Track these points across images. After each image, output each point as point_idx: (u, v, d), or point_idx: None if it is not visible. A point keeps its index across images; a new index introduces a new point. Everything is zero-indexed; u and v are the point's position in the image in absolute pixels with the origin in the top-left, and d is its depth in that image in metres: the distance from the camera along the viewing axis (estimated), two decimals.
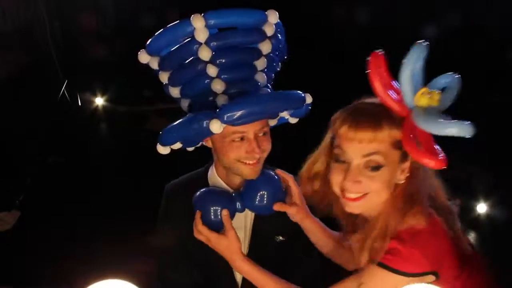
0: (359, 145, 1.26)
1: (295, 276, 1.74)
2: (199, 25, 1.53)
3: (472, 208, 3.69)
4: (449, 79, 1.33)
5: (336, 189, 1.33)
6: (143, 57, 1.70)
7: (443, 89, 1.31)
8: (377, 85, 1.26)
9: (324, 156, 1.40)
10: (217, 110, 1.49)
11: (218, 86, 1.57)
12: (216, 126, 1.47)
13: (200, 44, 1.56)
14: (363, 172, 1.27)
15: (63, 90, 5.09)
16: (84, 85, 5.29)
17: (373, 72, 1.26)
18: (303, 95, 1.58)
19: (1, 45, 4.70)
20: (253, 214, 1.69)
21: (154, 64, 1.70)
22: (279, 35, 1.67)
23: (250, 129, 1.53)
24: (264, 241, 1.70)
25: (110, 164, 4.29)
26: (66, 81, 5.11)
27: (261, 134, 1.57)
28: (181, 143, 1.62)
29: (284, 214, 1.61)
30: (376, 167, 1.26)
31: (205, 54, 1.55)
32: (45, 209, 3.49)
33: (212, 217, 1.56)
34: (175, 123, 1.60)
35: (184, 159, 1.95)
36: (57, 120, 4.66)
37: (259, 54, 1.62)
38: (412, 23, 5.23)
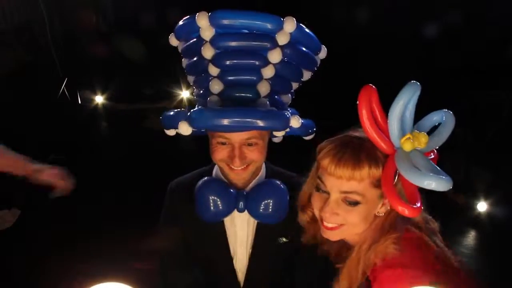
0: (338, 180, 1.26)
1: (297, 276, 1.74)
2: (203, 24, 1.50)
3: (472, 206, 3.70)
4: (440, 116, 1.33)
5: (317, 215, 1.36)
6: (173, 40, 1.68)
7: (436, 126, 1.31)
8: (365, 120, 1.24)
9: (312, 182, 1.40)
10: (188, 114, 1.49)
11: (216, 86, 1.56)
12: (183, 128, 1.49)
13: (205, 42, 1.53)
14: (341, 205, 1.29)
15: (63, 88, 5.09)
16: (84, 83, 5.29)
17: (362, 106, 1.24)
18: (287, 116, 1.49)
19: (1, 43, 4.69)
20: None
21: (180, 49, 1.69)
22: (301, 47, 1.58)
23: (233, 137, 1.52)
24: (267, 242, 1.69)
25: (110, 162, 4.28)
26: (66, 79, 5.11)
27: (249, 145, 1.55)
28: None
29: (287, 216, 1.60)
30: (354, 203, 1.27)
31: (207, 53, 1.54)
32: (45, 208, 3.48)
33: (211, 205, 1.56)
34: (169, 112, 1.63)
35: (185, 158, 1.95)
36: (57, 118, 4.65)
37: (266, 62, 1.54)
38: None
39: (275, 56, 1.52)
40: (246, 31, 1.55)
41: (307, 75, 1.66)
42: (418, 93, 1.23)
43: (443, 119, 1.32)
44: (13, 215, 3.53)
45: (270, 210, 1.57)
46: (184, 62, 1.70)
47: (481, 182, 3.86)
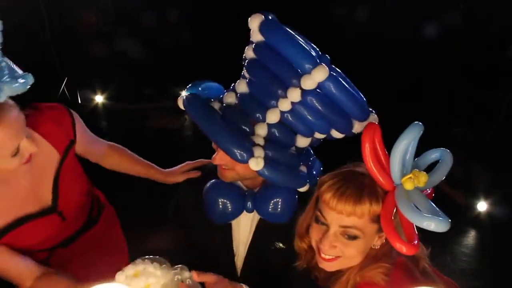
0: (338, 215, 1.28)
1: (291, 282, 1.75)
2: (254, 26, 1.49)
3: (472, 206, 3.70)
4: (438, 154, 1.37)
5: (314, 245, 1.38)
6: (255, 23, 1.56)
7: (435, 163, 1.35)
8: (367, 157, 1.28)
9: (311, 212, 1.41)
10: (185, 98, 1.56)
11: (241, 87, 1.57)
12: (179, 102, 1.57)
13: (252, 43, 1.54)
14: (340, 238, 1.31)
15: (63, 87, 5.09)
16: (84, 83, 5.28)
17: (366, 143, 1.27)
18: (246, 154, 1.45)
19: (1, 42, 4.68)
20: (257, 217, 1.69)
21: (256, 38, 1.60)
22: (331, 103, 1.48)
23: None
24: (262, 243, 1.70)
25: None
26: (66, 79, 5.11)
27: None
28: None
29: (287, 223, 1.60)
30: (353, 237, 1.30)
31: (248, 54, 1.54)
32: None
33: (220, 207, 1.58)
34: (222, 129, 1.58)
35: (186, 158, 1.96)
36: None
37: (283, 95, 1.48)
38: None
39: (293, 95, 1.46)
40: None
41: (336, 134, 1.57)
42: (420, 133, 1.26)
43: (441, 157, 1.36)
44: None
45: (279, 209, 1.57)
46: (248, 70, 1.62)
47: (481, 182, 3.85)
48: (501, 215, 3.58)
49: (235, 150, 1.44)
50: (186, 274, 1.31)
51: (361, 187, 1.27)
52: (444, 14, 5.20)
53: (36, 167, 1.58)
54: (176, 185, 1.85)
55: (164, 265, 1.33)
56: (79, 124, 1.72)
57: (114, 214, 2.07)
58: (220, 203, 1.58)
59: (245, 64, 1.56)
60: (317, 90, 1.45)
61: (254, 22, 1.48)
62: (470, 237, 3.54)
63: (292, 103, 1.47)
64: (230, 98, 1.58)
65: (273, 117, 1.50)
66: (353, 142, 1.40)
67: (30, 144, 1.46)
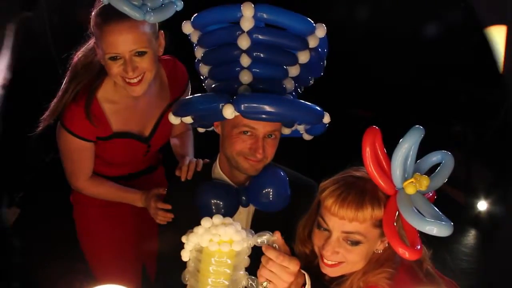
0: (340, 221, 1.28)
1: None
2: (247, 14, 1.56)
3: (473, 205, 3.70)
4: (439, 157, 1.37)
5: (316, 251, 1.38)
6: (187, 28, 1.71)
7: (436, 166, 1.35)
8: (368, 162, 1.27)
9: (313, 217, 1.42)
10: (235, 97, 1.51)
11: (245, 77, 1.60)
12: (228, 112, 1.49)
13: (243, 32, 1.58)
14: (342, 244, 1.31)
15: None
16: None
17: (366, 146, 1.27)
18: (323, 112, 1.60)
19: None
20: (253, 209, 1.70)
21: (194, 38, 1.72)
22: (320, 50, 1.70)
23: (261, 128, 1.55)
24: None
25: None
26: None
27: (269, 136, 1.57)
28: (193, 119, 1.65)
29: (283, 213, 1.62)
30: (355, 243, 1.29)
31: (244, 43, 1.58)
32: (45, 207, 3.48)
33: (214, 210, 1.57)
34: (194, 96, 1.66)
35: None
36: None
37: (295, 61, 1.64)
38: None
39: (304, 57, 1.64)
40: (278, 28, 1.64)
41: (312, 80, 1.77)
42: (421, 137, 1.26)
43: (443, 160, 1.36)
44: (13, 213, 3.52)
45: (272, 196, 1.58)
46: (199, 52, 1.72)
47: (481, 181, 3.85)
48: (501, 214, 3.58)
49: (317, 113, 1.59)
50: (272, 238, 1.26)
51: (362, 192, 1.27)
52: (444, 13, 5.19)
53: (154, 101, 1.86)
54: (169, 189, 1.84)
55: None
56: (189, 87, 1.99)
57: (163, 172, 2.25)
58: (215, 204, 1.58)
59: (242, 53, 1.60)
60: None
61: (248, 10, 1.55)
62: (470, 237, 3.55)
63: (300, 65, 1.65)
64: (244, 90, 1.63)
65: (289, 85, 1.66)
66: (353, 146, 1.40)
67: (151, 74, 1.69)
